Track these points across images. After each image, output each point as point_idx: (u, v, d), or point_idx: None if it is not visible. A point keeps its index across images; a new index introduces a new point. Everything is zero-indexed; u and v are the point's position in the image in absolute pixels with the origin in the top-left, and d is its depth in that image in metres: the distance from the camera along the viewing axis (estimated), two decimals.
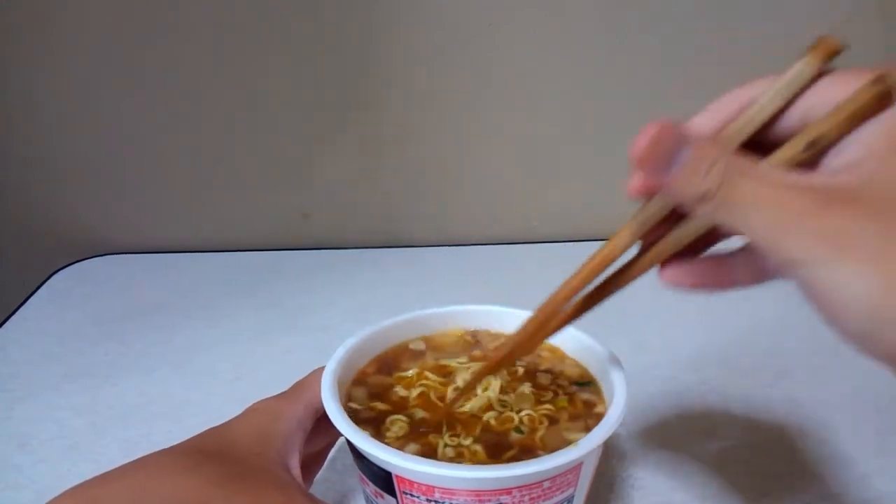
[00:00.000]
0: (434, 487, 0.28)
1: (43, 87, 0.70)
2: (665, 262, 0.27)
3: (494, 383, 0.35)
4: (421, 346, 0.39)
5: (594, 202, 0.73)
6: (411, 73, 0.70)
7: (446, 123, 0.73)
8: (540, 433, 0.33)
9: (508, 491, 0.28)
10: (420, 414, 0.34)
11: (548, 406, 0.34)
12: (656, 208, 0.26)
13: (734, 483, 0.42)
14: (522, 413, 0.34)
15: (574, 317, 0.31)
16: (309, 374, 0.34)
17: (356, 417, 0.32)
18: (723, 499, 0.41)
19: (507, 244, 0.77)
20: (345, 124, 0.72)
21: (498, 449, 0.32)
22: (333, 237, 0.77)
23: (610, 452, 0.44)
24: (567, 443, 0.31)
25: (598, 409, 0.34)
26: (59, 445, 0.46)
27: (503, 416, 0.33)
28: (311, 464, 0.37)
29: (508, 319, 0.39)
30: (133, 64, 0.69)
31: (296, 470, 0.29)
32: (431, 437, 0.32)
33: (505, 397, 0.34)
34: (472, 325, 0.40)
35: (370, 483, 0.31)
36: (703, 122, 0.25)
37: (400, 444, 0.32)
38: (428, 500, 0.29)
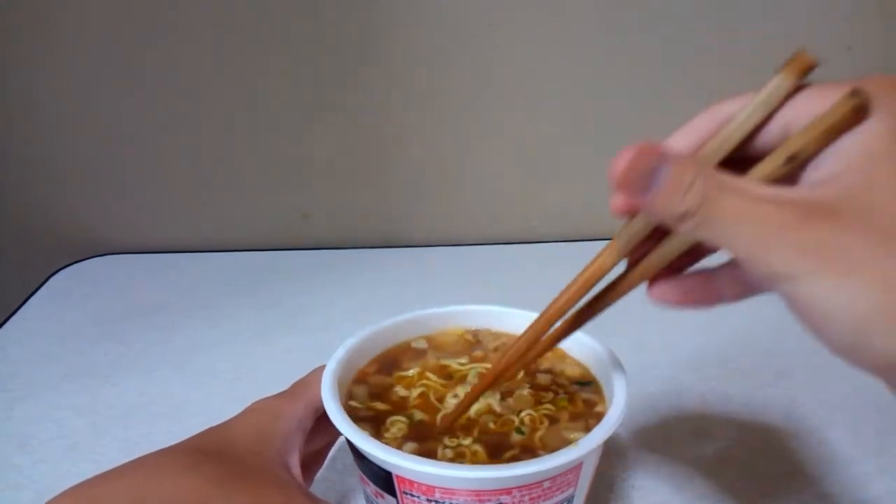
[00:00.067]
0: (434, 487, 0.28)
1: (43, 87, 0.70)
2: (653, 280, 0.28)
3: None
4: (423, 344, 0.39)
5: (594, 202, 0.73)
6: (411, 73, 0.70)
7: (446, 123, 0.73)
8: (540, 433, 0.33)
9: (508, 491, 0.28)
10: (419, 416, 0.34)
11: (548, 406, 0.34)
12: (640, 226, 0.26)
13: (734, 483, 0.42)
14: (523, 414, 0.34)
15: (563, 335, 0.32)
16: (309, 374, 0.34)
17: (355, 416, 0.32)
18: (723, 499, 0.41)
19: (507, 244, 0.77)
20: (345, 124, 0.72)
21: (498, 449, 0.32)
22: (333, 237, 0.77)
23: (610, 452, 0.44)
24: (567, 442, 0.31)
25: (599, 408, 0.34)
26: (59, 445, 0.46)
27: (503, 418, 0.33)
28: (312, 463, 0.37)
29: (509, 319, 0.39)
30: (133, 64, 0.69)
31: (296, 469, 0.29)
32: (431, 443, 0.32)
33: (503, 403, 0.34)
34: (473, 324, 0.40)
35: (370, 483, 0.31)
36: (681, 140, 0.25)
37: (398, 444, 0.32)
38: (428, 500, 0.29)
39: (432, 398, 0.35)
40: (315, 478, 0.38)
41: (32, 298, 0.67)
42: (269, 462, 0.28)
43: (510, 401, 0.35)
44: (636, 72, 0.71)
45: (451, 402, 0.34)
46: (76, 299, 0.66)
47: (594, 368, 0.37)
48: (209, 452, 0.28)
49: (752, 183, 0.22)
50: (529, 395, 0.35)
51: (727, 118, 0.24)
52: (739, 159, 0.24)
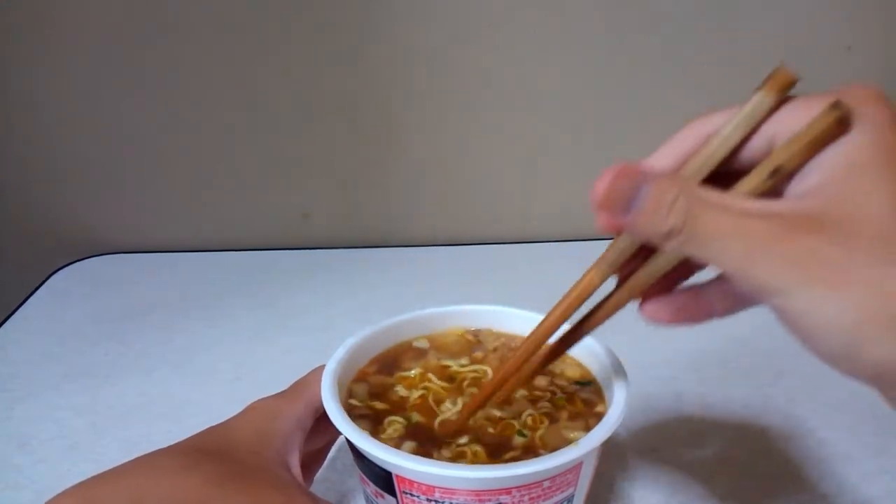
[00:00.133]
0: (434, 487, 0.28)
1: (43, 87, 0.70)
2: (644, 298, 0.28)
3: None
4: (424, 344, 0.39)
5: None
6: (411, 73, 0.70)
7: (446, 123, 0.73)
8: (540, 432, 0.33)
9: (508, 491, 0.28)
10: (416, 417, 0.34)
11: (546, 405, 0.34)
12: (626, 244, 0.26)
13: (734, 483, 0.42)
14: (525, 415, 0.34)
15: (554, 356, 0.32)
16: (309, 373, 0.34)
17: (353, 414, 0.32)
18: (722, 499, 0.41)
19: (507, 244, 0.77)
20: (345, 124, 0.72)
21: (498, 449, 0.32)
22: (333, 237, 0.77)
23: (610, 452, 0.44)
24: (567, 442, 0.31)
25: (599, 408, 0.34)
26: (59, 445, 0.46)
27: (504, 422, 0.33)
28: (311, 463, 0.37)
29: (509, 319, 0.39)
30: (133, 64, 0.69)
31: (296, 469, 0.29)
32: (428, 444, 0.32)
33: (502, 411, 0.34)
34: (473, 324, 0.40)
35: (370, 483, 0.31)
36: (664, 157, 0.25)
37: (395, 444, 0.32)
38: (428, 499, 0.29)
39: (431, 401, 0.35)
40: (315, 478, 0.38)
41: (32, 298, 0.67)
42: (268, 462, 0.28)
43: (506, 409, 0.34)
44: (636, 72, 0.71)
45: (448, 408, 0.34)
46: (76, 299, 0.66)
47: (594, 368, 0.36)
48: (208, 452, 0.28)
49: (736, 197, 0.22)
50: (525, 401, 0.35)
51: (711, 132, 0.24)
52: (724, 174, 0.24)
